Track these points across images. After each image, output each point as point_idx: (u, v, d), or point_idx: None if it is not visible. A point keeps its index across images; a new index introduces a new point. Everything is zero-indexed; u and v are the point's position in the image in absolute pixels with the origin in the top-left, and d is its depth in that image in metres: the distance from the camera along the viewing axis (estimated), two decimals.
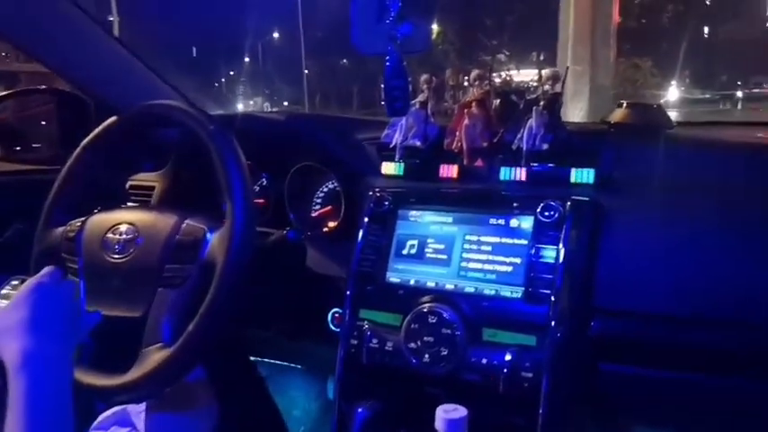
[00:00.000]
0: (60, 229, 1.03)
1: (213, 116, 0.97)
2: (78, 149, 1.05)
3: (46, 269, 0.74)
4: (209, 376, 1.06)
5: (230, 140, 0.93)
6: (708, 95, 18.10)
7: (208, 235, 0.93)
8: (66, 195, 1.05)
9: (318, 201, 1.31)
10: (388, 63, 0.81)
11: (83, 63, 1.34)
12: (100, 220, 1.01)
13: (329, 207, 1.28)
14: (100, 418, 1.03)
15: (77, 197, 1.06)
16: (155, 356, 0.88)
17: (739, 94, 19.63)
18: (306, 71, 21.51)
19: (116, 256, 0.96)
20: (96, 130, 1.05)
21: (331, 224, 1.26)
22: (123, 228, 0.98)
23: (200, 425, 1.02)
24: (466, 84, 1.07)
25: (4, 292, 0.77)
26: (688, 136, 1.01)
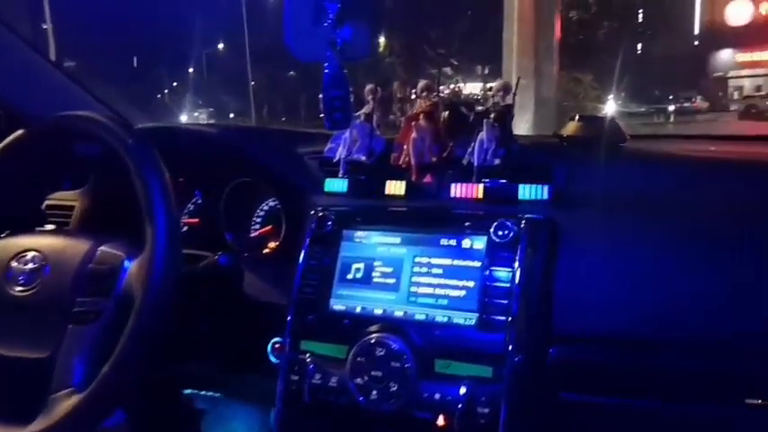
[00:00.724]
0: None
1: (134, 128, 0.87)
2: None
3: None
4: (130, 420, 0.95)
5: (151, 155, 0.83)
6: (643, 109, 18.91)
7: (126, 263, 0.83)
8: None
9: (258, 220, 1.22)
10: (326, 71, 0.74)
11: None
12: (3, 246, 0.89)
13: (269, 227, 1.20)
14: None
15: None
16: (64, 403, 0.77)
17: (671, 107, 20.65)
18: (252, 82, 21.18)
19: (20, 289, 0.84)
20: (0, 146, 0.93)
21: (272, 245, 1.18)
22: (30, 255, 0.86)
23: None
24: (413, 97, 1.01)
25: None
26: (643, 150, 0.99)
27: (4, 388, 0.82)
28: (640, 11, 21.39)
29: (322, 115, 0.79)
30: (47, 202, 1.24)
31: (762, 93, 21.30)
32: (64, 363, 0.79)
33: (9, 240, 0.90)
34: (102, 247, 0.85)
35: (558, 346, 0.81)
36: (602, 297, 0.81)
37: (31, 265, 0.85)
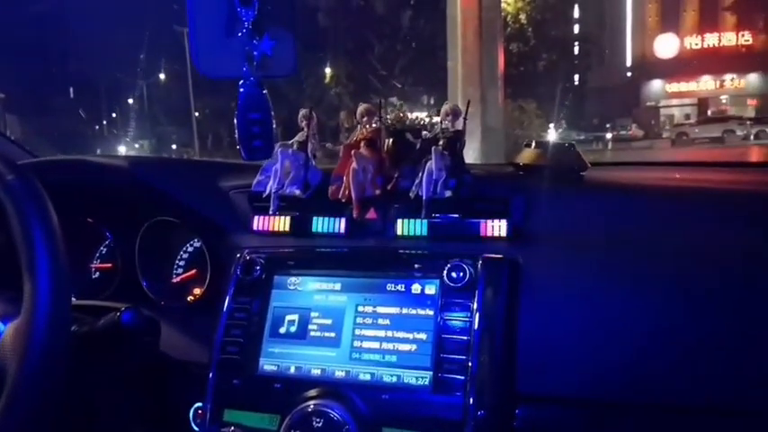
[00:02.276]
0: None
1: (16, 164, 0.72)
2: None
3: None
4: None
5: (35, 194, 0.68)
6: (582, 137, 19.61)
7: (0, 326, 0.67)
8: None
9: (180, 263, 1.07)
10: (242, 90, 0.61)
11: None
12: None
13: (193, 271, 1.05)
14: None
15: None
16: None
17: (608, 135, 21.56)
18: (196, 113, 20.75)
19: None
20: None
21: (196, 292, 1.03)
22: None
23: None
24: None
25: None
26: (605, 179, 0.90)
27: None
28: (576, 44, 22.38)
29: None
30: None
31: (690, 121, 22.55)
32: None
33: None
34: None
35: (524, 406, 0.69)
36: (569, 348, 0.70)
37: None
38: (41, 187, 0.69)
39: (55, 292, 0.64)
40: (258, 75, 0.62)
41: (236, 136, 0.65)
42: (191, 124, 20.41)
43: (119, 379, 0.85)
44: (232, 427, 0.74)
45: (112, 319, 0.76)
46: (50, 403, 0.64)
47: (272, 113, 0.65)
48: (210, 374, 0.77)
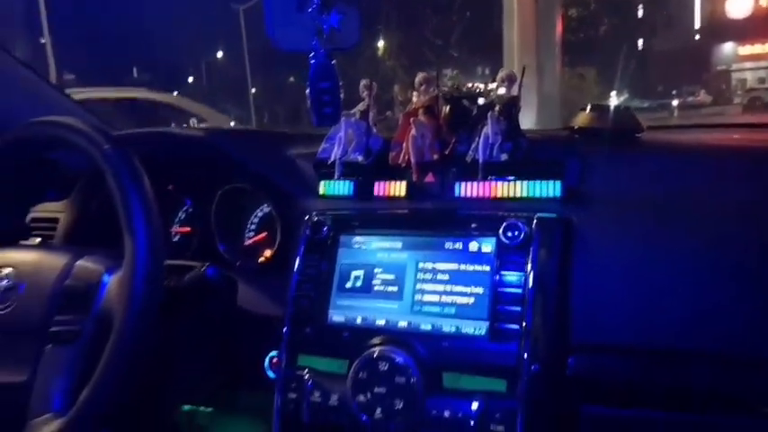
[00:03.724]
0: None
1: (112, 134, 0.81)
2: None
3: None
4: None
5: (130, 161, 0.77)
6: (646, 105, 18.77)
7: (105, 277, 0.76)
8: None
9: (252, 227, 1.16)
10: (312, 61, 0.67)
11: None
12: None
13: (264, 234, 1.13)
14: None
15: None
16: (44, 429, 0.72)
17: (675, 102, 20.53)
18: (252, 89, 21.16)
19: None
20: None
21: (267, 253, 1.11)
22: (3, 272, 0.81)
23: None
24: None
25: None
26: (660, 140, 0.91)
27: None
28: (640, 6, 21.29)
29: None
30: (31, 215, 1.19)
31: (765, 85, 21.17)
32: (42, 386, 0.74)
33: None
34: (79, 262, 0.79)
35: (577, 355, 0.74)
36: (623, 302, 0.74)
37: (4, 283, 0.79)
38: (135, 155, 0.78)
39: (151, 249, 0.73)
40: (327, 47, 0.67)
41: (308, 104, 0.70)
42: (248, 101, 20.85)
43: (200, 330, 0.95)
44: (306, 371, 0.81)
45: (197, 274, 0.85)
46: (147, 344, 0.73)
47: (340, 83, 0.71)
48: (285, 325, 0.85)
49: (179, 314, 0.87)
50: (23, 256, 0.82)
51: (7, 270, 0.80)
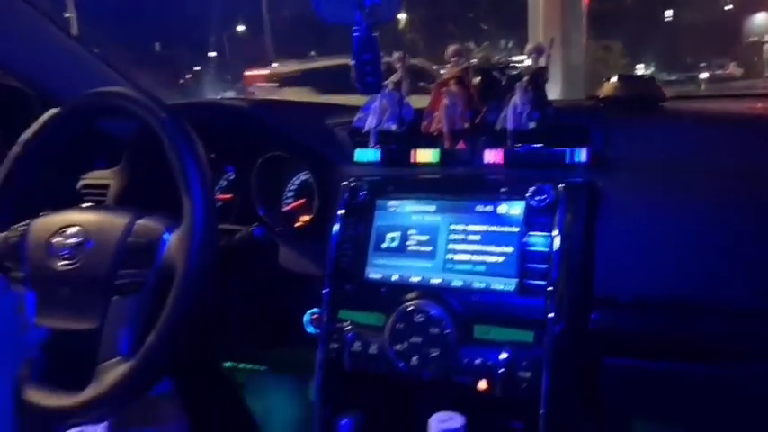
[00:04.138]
0: (1, 235, 0.93)
1: (167, 104, 0.87)
2: (16, 146, 0.95)
3: None
4: (175, 388, 0.97)
5: (185, 129, 0.83)
6: (674, 77, 18.35)
7: (165, 235, 0.84)
8: (6, 197, 0.95)
9: (290, 194, 1.22)
10: (356, 34, 0.72)
11: (26, 54, 1.23)
12: (44, 223, 0.91)
13: (302, 200, 1.20)
14: None
15: (19, 199, 0.96)
16: (113, 372, 0.80)
17: (703, 75, 19.99)
18: (275, 64, 21.20)
19: (64, 263, 0.86)
20: (35, 125, 0.95)
21: (304, 218, 1.18)
22: (71, 231, 0.88)
23: None
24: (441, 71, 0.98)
25: None
26: (685, 108, 0.95)
27: (54, 359, 0.85)
28: None
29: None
30: (82, 182, 1.27)
31: None
32: (110, 333, 0.81)
33: (48, 217, 0.92)
34: (140, 221, 0.86)
35: (600, 310, 0.79)
36: (644, 261, 0.79)
37: (73, 240, 0.87)
38: (188, 123, 0.85)
39: (207, 207, 0.80)
40: (369, 21, 0.72)
41: (352, 75, 0.76)
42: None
43: (247, 288, 1.02)
44: (346, 324, 0.88)
45: (246, 234, 0.92)
46: (203, 297, 0.80)
47: (381, 54, 0.76)
48: (326, 282, 0.92)
49: (230, 271, 0.94)
50: (88, 217, 0.90)
51: (74, 229, 0.88)
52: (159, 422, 0.94)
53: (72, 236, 0.87)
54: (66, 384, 0.82)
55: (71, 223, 0.89)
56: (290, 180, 1.21)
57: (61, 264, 0.86)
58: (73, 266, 0.85)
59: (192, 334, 0.82)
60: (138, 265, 0.83)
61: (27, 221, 0.92)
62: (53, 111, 0.94)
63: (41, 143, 0.95)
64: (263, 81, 9.74)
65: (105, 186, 1.23)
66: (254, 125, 1.10)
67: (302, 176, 1.20)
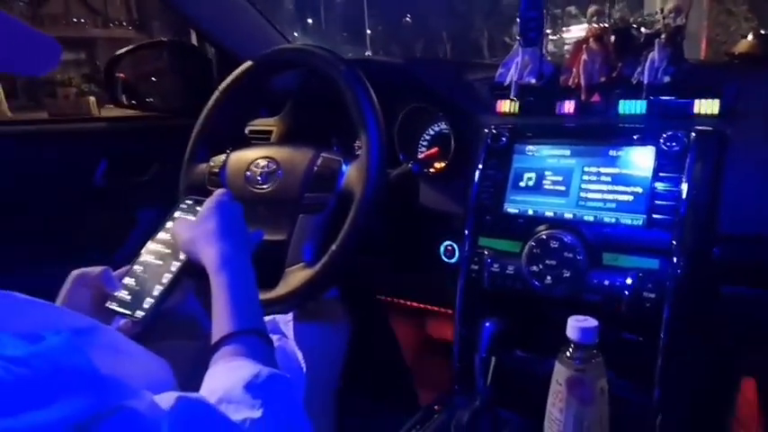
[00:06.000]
0: (204, 165, 1.14)
1: (345, 58, 1.04)
2: (218, 92, 1.15)
3: (220, 191, 0.84)
4: (342, 297, 1.16)
5: (362, 79, 1.00)
6: None
7: (343, 167, 1.01)
8: (208, 135, 1.16)
9: (424, 143, 1.37)
10: None
11: (214, 16, 1.43)
12: (240, 156, 1.11)
13: (435, 149, 1.34)
14: None
15: (216, 137, 1.17)
16: (298, 275, 0.98)
17: None
18: (369, 31, 21.40)
19: (259, 187, 1.06)
20: (235, 74, 1.15)
21: (437, 165, 1.32)
22: (263, 162, 1.08)
23: (336, 337, 1.13)
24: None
25: (183, 206, 0.87)
26: None
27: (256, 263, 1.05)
28: None
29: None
30: (249, 128, 1.48)
31: None
32: (297, 244, 1.00)
33: (242, 152, 1.12)
34: (322, 154, 1.04)
35: (722, 244, 0.88)
36: (766, 200, 0.86)
37: (266, 169, 1.06)
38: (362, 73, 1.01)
39: (382, 143, 0.96)
40: None
41: (518, 30, 0.89)
42: (364, 42, 21.10)
43: (398, 214, 1.18)
44: (486, 249, 1.02)
45: (405, 169, 1.08)
46: (375, 217, 0.97)
47: (545, 12, 0.88)
48: (468, 213, 1.06)
49: (391, 200, 1.10)
50: (277, 151, 1.09)
51: (266, 161, 1.07)
52: (330, 320, 1.14)
53: (265, 166, 1.06)
54: (261, 284, 1.02)
55: (264, 156, 1.08)
56: (425, 131, 1.35)
57: (257, 188, 1.06)
58: (267, 190, 1.05)
59: (360, 252, 0.99)
60: (321, 190, 1.01)
61: (224, 155, 1.13)
62: (249, 63, 1.13)
63: (236, 90, 1.15)
64: None
65: (269, 132, 1.43)
66: (405, 79, 1.25)
67: (436, 128, 1.34)
